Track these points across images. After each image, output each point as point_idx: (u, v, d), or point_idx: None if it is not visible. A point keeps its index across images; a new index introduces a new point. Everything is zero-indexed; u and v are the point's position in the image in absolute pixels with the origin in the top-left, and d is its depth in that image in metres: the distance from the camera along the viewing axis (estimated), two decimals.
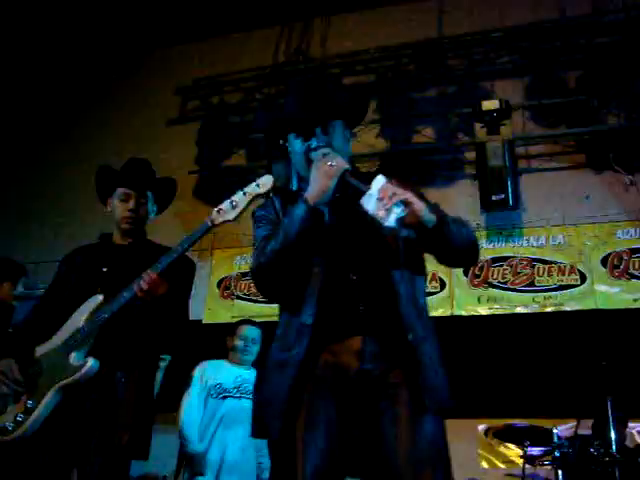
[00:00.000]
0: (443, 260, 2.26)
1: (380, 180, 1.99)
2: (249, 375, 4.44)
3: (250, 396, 4.27)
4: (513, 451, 5.63)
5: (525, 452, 5.10)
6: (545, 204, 5.71)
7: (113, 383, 2.75)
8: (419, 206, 2.00)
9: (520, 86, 6.04)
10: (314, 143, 2.21)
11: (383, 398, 2.06)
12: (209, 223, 2.66)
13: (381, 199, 1.95)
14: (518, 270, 5.60)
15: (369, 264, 2.14)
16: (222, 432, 4.25)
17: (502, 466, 5.79)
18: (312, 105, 2.28)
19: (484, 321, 5.52)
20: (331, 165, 2.10)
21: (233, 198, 2.62)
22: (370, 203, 1.97)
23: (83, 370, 2.70)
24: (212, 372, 4.46)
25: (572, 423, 4.78)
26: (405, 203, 1.96)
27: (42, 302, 3.06)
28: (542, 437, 4.83)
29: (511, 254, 5.64)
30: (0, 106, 7.23)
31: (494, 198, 5.44)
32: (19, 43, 6.78)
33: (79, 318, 2.80)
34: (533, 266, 5.59)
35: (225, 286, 6.36)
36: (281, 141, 2.38)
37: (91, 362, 2.71)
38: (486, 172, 5.51)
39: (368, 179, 2.07)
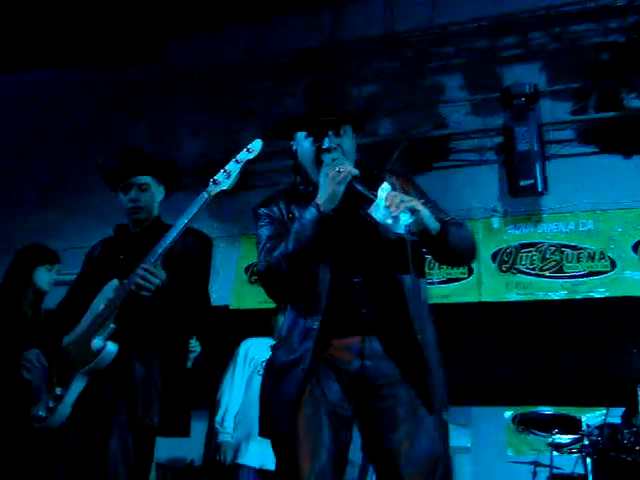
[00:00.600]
0: (442, 261, 2.38)
1: (386, 188, 2.06)
2: None
3: None
4: (541, 439, 5.61)
5: (553, 440, 5.09)
6: (574, 189, 5.64)
7: (130, 366, 2.80)
8: (425, 214, 2.07)
9: (549, 70, 5.95)
10: (326, 144, 2.27)
11: (382, 396, 2.12)
12: (206, 195, 2.71)
13: (388, 207, 2.01)
14: (547, 256, 5.54)
15: (374, 267, 2.20)
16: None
17: (530, 453, 5.78)
18: (327, 108, 2.35)
19: (512, 307, 5.48)
20: (340, 171, 2.14)
21: (226, 167, 2.69)
22: (378, 211, 2.03)
23: (101, 354, 2.75)
24: (258, 349, 4.41)
25: (601, 411, 4.75)
26: (412, 211, 2.02)
27: (68, 294, 3.17)
28: (570, 425, 4.83)
29: (539, 240, 5.58)
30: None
31: (522, 183, 5.39)
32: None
33: (98, 305, 2.87)
34: (562, 252, 5.53)
35: (253, 272, 6.38)
36: (291, 142, 2.44)
37: (109, 346, 2.76)
38: (514, 157, 5.46)
39: (375, 180, 2.15)
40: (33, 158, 7.38)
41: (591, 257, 5.44)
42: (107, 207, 6.57)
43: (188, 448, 5.68)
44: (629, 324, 4.96)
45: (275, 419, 2.15)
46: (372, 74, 6.38)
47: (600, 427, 4.57)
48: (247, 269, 6.39)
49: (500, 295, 5.48)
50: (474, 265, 5.54)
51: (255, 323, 4.69)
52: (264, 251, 2.24)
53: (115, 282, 2.85)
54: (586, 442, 4.66)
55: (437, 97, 6.20)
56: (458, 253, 2.26)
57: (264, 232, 2.31)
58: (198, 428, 5.11)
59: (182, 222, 2.73)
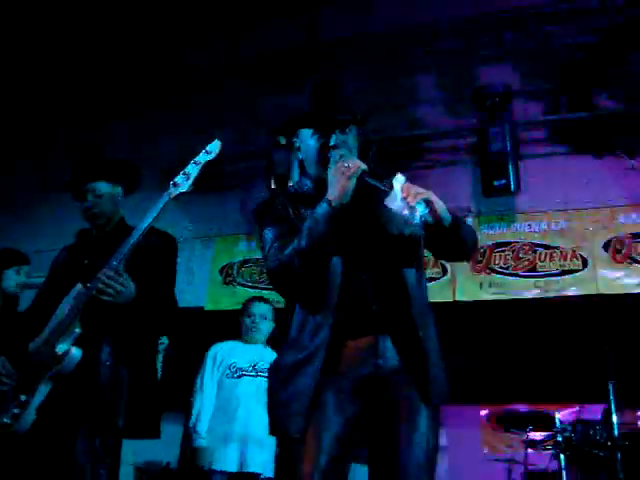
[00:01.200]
0: (446, 255, 2.39)
1: (401, 179, 2.07)
2: (264, 354, 4.41)
3: (266, 374, 4.26)
4: (516, 436, 5.65)
5: (527, 437, 5.13)
6: (547, 189, 5.69)
7: (96, 367, 2.79)
8: (440, 204, 2.08)
9: (522, 70, 6.00)
10: (333, 141, 2.29)
11: (397, 395, 2.16)
12: (166, 197, 2.75)
13: (405, 198, 2.02)
14: (520, 255, 5.59)
15: (379, 263, 2.22)
16: (243, 410, 4.22)
17: (505, 451, 5.83)
18: (336, 106, 2.38)
19: (486, 307, 5.52)
20: (349, 166, 2.15)
21: (185, 170, 2.74)
22: (395, 202, 2.04)
23: (66, 359, 2.75)
24: (226, 352, 4.45)
25: (574, 408, 4.80)
26: (426, 202, 2.03)
27: (35, 299, 3.16)
28: (544, 422, 4.87)
29: (513, 239, 5.62)
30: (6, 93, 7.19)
31: (495, 183, 5.42)
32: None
33: (62, 310, 2.86)
34: (535, 251, 5.57)
35: (227, 273, 6.36)
36: (293, 138, 2.44)
37: (73, 351, 2.77)
38: (487, 157, 5.49)
39: (380, 177, 2.18)
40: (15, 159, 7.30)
41: (564, 256, 5.49)
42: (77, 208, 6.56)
43: (164, 451, 5.64)
44: (600, 322, 5.02)
45: (289, 416, 2.14)
46: (345, 74, 6.38)
47: (573, 424, 4.62)
48: (222, 270, 6.36)
49: (474, 294, 5.52)
50: (448, 265, 5.58)
51: (230, 324, 4.68)
52: (273, 249, 2.21)
53: (79, 287, 2.84)
54: (559, 439, 4.71)
55: (410, 97, 6.22)
56: (467, 246, 2.29)
57: (270, 231, 2.28)
58: (174, 430, 5.09)
59: (143, 224, 2.75)
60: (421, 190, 2.05)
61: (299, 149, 2.42)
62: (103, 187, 3.10)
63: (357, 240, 2.23)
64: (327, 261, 2.17)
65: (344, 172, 2.15)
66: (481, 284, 5.58)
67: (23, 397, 2.80)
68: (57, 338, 2.79)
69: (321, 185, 2.26)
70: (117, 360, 2.82)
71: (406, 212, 2.01)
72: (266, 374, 4.23)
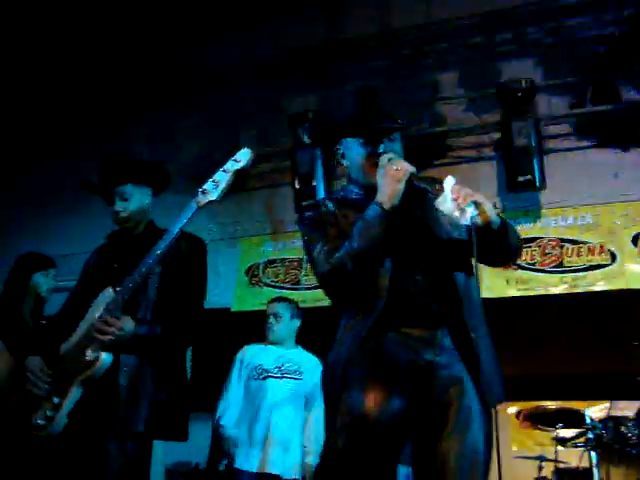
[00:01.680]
0: (488, 260, 2.35)
1: (451, 181, 2.10)
2: (291, 354, 4.42)
3: (293, 375, 4.30)
4: (545, 433, 5.61)
5: (557, 434, 5.09)
6: (572, 183, 5.63)
7: (115, 372, 2.82)
8: (489, 207, 2.11)
9: (545, 64, 5.95)
10: (382, 148, 2.33)
11: (449, 393, 2.15)
12: (195, 205, 2.73)
13: (455, 199, 2.05)
14: (547, 251, 5.54)
15: (430, 265, 2.23)
16: (266, 412, 4.22)
17: (534, 448, 5.78)
18: (381, 114, 2.43)
19: (513, 303, 5.48)
20: (398, 169, 2.19)
21: (214, 177, 2.71)
22: (445, 203, 2.07)
23: (97, 365, 2.77)
24: (252, 354, 4.46)
25: (605, 405, 4.75)
26: (476, 204, 2.06)
27: (66, 302, 3.19)
28: (574, 419, 4.83)
29: (539, 235, 5.57)
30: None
31: (520, 179, 5.38)
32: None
33: (93, 313, 2.87)
34: (562, 246, 5.52)
35: (253, 274, 6.39)
36: (336, 145, 2.47)
37: (104, 356, 2.78)
38: (512, 153, 5.45)
39: (428, 180, 2.26)
40: (30, 160, 7.37)
41: (591, 251, 5.43)
42: (107, 211, 6.62)
43: (194, 452, 5.68)
44: (630, 317, 4.96)
45: (343, 378, 2.14)
46: (368, 72, 6.38)
47: (604, 421, 4.58)
48: (247, 271, 6.38)
49: (501, 291, 5.48)
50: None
51: (256, 325, 4.69)
52: (323, 253, 2.23)
53: (110, 291, 2.85)
54: (590, 435, 4.67)
55: (433, 94, 6.19)
56: (513, 248, 2.31)
57: (318, 238, 2.29)
58: (202, 432, 5.12)
59: (172, 233, 2.74)
60: (471, 192, 2.08)
61: (343, 156, 2.45)
62: (131, 190, 3.09)
63: (406, 243, 2.25)
64: (379, 263, 2.18)
65: (394, 175, 2.18)
66: (507, 280, 5.53)
67: (56, 400, 2.82)
68: (87, 343, 2.82)
69: (370, 191, 2.28)
70: (142, 367, 2.85)
71: (457, 214, 2.04)
72: (292, 375, 4.28)
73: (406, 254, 2.23)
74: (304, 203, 5.62)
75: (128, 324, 2.77)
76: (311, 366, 4.37)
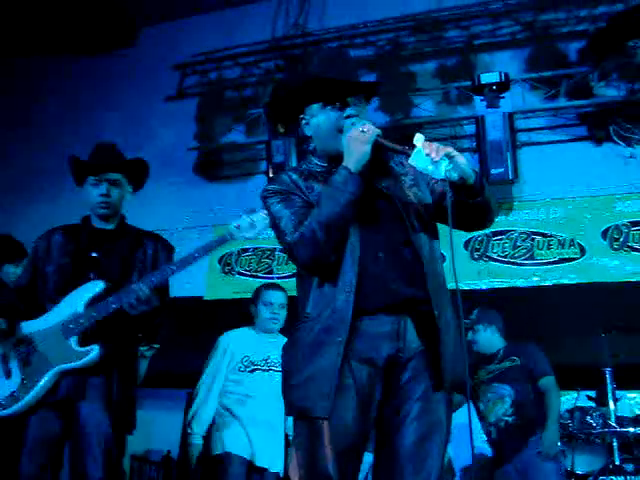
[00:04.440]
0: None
1: (420, 137, 2.04)
2: (276, 345, 4.15)
3: (278, 368, 4.10)
4: None
5: None
6: (545, 177, 5.69)
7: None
8: (463, 160, 2.03)
9: (520, 58, 5.99)
10: (349, 111, 2.20)
11: (413, 379, 2.12)
12: (228, 237, 2.86)
13: (428, 154, 1.99)
14: (518, 243, 5.60)
15: (393, 241, 2.15)
16: (253, 404, 4.11)
17: None
18: (347, 74, 2.26)
19: (484, 295, 5.53)
20: (364, 131, 2.09)
21: (252, 217, 2.82)
22: (419, 159, 2.01)
23: (88, 357, 2.78)
24: (238, 343, 4.23)
25: (572, 395, 4.82)
26: (450, 156, 2.00)
27: (27, 274, 3.12)
28: None
29: (511, 228, 5.63)
30: None
31: (493, 172, 5.42)
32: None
33: (77, 302, 2.85)
34: (533, 240, 5.59)
35: (226, 262, 6.37)
36: (301, 115, 2.32)
37: (97, 350, 2.79)
38: (485, 146, 5.49)
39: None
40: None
41: (561, 244, 5.50)
42: (78, 198, 6.57)
43: (165, 440, 5.67)
44: (598, 310, 5.03)
45: (314, 395, 2.04)
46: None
47: (571, 411, 4.64)
48: (220, 259, 6.37)
49: (472, 283, 5.54)
50: (446, 253, 5.57)
51: (229, 313, 4.69)
52: (291, 222, 2.12)
53: (100, 284, 2.86)
54: None
55: (409, 86, 6.21)
56: (489, 207, 2.19)
57: (285, 208, 2.17)
58: (175, 418, 5.11)
59: (194, 257, 2.88)
60: (443, 146, 2.02)
61: (307, 125, 2.31)
62: (121, 180, 3.13)
63: (369, 217, 2.16)
64: (346, 231, 2.09)
65: (358, 137, 2.08)
66: (479, 272, 5.59)
67: (27, 380, 2.81)
68: (71, 332, 2.81)
69: (334, 161, 2.19)
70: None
71: (430, 168, 1.99)
72: (277, 368, 4.16)
73: (371, 229, 2.14)
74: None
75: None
76: None
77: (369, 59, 6.36)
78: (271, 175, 5.90)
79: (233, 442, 4.03)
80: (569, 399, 4.81)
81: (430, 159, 1.99)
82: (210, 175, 6.58)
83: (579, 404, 4.70)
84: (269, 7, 6.72)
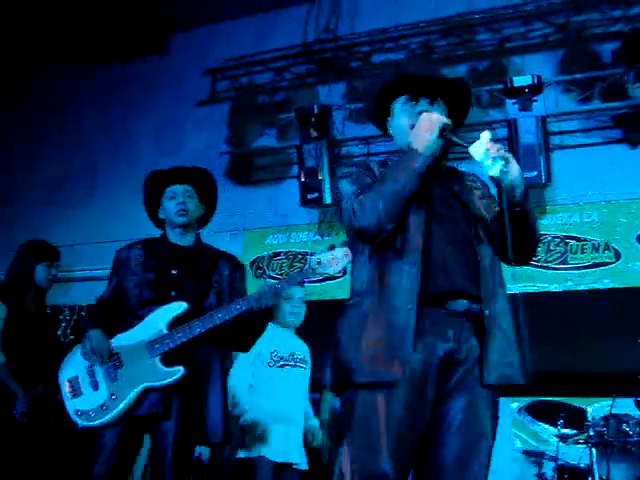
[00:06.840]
0: (516, 253, 2.19)
1: (487, 134, 2.08)
2: (296, 340, 4.31)
3: (301, 364, 4.22)
4: (547, 430, 5.60)
5: (559, 431, 5.09)
6: (578, 181, 5.63)
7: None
8: (518, 168, 2.11)
9: (553, 60, 5.93)
10: (422, 104, 2.29)
11: (459, 383, 2.12)
12: (310, 271, 2.92)
13: (488, 150, 2.04)
14: (551, 248, 5.54)
15: (458, 236, 2.20)
16: (285, 400, 4.09)
17: (536, 445, 5.77)
18: (430, 68, 2.46)
19: (517, 299, 5.46)
20: (430, 120, 2.14)
21: (334, 253, 2.86)
22: (478, 150, 2.06)
23: (174, 378, 2.85)
24: (265, 338, 4.03)
25: (607, 402, 4.75)
26: (507, 161, 2.05)
27: (111, 291, 3.18)
28: (576, 416, 4.81)
29: (544, 232, 5.56)
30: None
31: (526, 175, 5.34)
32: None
33: (160, 321, 2.93)
34: (566, 244, 5.53)
35: (258, 266, 6.40)
36: (387, 118, 2.40)
37: (182, 371, 2.86)
38: (518, 149, 5.44)
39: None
40: (35, 156, 7.39)
41: (595, 248, 5.43)
42: (112, 203, 6.65)
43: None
44: (633, 315, 4.96)
45: (384, 358, 2.02)
46: (376, 66, 6.38)
47: (605, 418, 4.58)
48: (252, 263, 6.40)
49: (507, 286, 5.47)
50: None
51: None
52: (354, 196, 2.16)
53: (184, 305, 2.94)
54: (591, 433, 4.66)
55: None
56: (533, 230, 2.27)
57: (353, 185, 2.23)
58: None
59: (280, 289, 3.11)
60: (504, 149, 2.07)
61: (391, 127, 2.40)
62: (193, 192, 3.24)
63: (440, 212, 2.21)
64: (407, 207, 2.13)
65: (424, 125, 2.13)
66: (512, 276, 5.50)
67: (115, 394, 2.88)
68: (157, 351, 2.88)
69: None
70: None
71: (487, 162, 2.03)
72: (301, 364, 4.19)
73: (438, 220, 2.19)
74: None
75: None
76: (308, 355, 4.33)
77: (400, 63, 6.34)
78: (302, 180, 5.92)
79: (266, 444, 4.00)
80: (603, 406, 4.74)
81: (489, 155, 2.03)
82: (241, 179, 6.61)
83: (614, 411, 4.63)
84: (300, 12, 6.74)
